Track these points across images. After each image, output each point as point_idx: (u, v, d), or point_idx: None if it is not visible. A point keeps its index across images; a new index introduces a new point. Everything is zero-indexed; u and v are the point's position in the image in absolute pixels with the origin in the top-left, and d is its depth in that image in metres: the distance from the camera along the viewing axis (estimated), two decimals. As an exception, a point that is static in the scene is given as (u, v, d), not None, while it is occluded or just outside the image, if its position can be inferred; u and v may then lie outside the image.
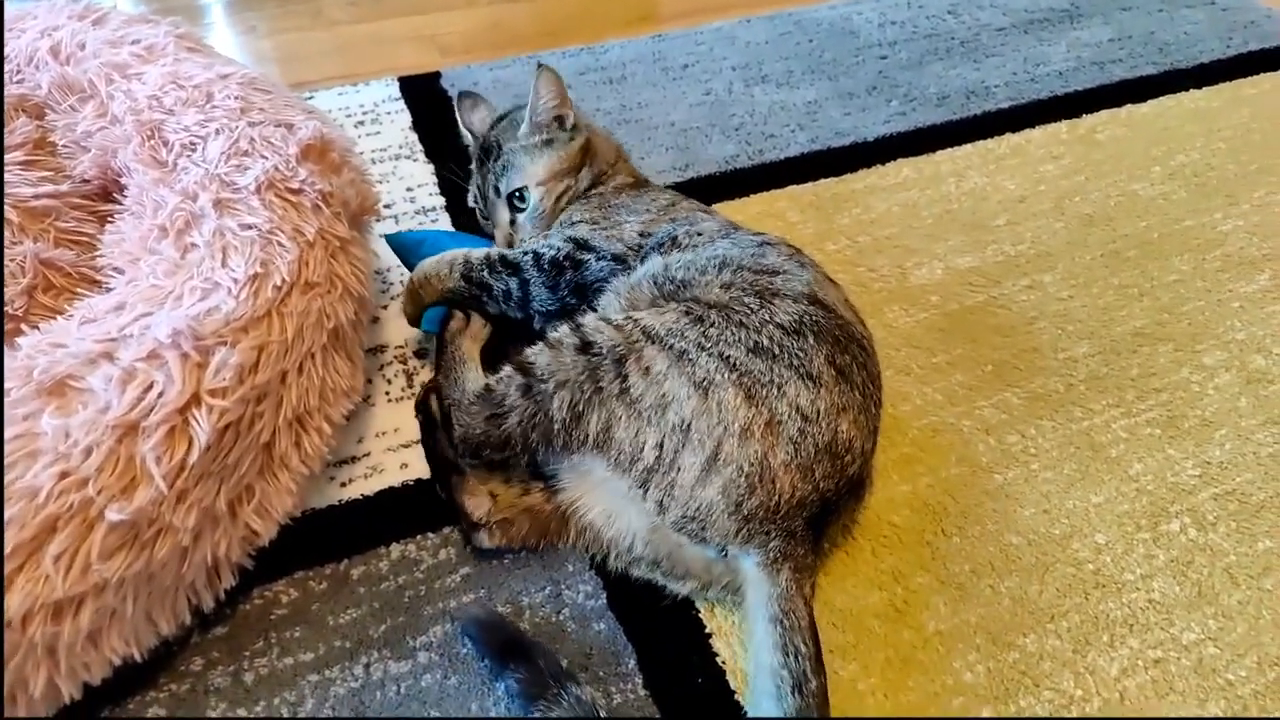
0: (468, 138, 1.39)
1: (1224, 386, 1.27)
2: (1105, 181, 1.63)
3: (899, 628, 1.01)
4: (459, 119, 1.40)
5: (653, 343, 0.97)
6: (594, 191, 1.29)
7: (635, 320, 1.00)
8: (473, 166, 1.35)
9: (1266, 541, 1.09)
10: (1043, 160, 1.68)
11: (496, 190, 1.28)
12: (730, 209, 1.50)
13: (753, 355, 0.95)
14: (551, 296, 1.16)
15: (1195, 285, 1.43)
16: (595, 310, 1.12)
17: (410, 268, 1.26)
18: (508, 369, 1.02)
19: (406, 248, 1.28)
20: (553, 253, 1.16)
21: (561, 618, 1.00)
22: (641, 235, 1.19)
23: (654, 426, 0.94)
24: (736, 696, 0.94)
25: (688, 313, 1.00)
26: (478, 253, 1.19)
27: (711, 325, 0.98)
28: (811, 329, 0.99)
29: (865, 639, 1.00)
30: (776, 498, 0.92)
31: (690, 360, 0.95)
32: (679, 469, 0.93)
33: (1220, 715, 0.95)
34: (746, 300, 1.01)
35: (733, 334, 0.97)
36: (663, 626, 1.00)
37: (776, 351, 0.96)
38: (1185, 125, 1.77)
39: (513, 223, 1.28)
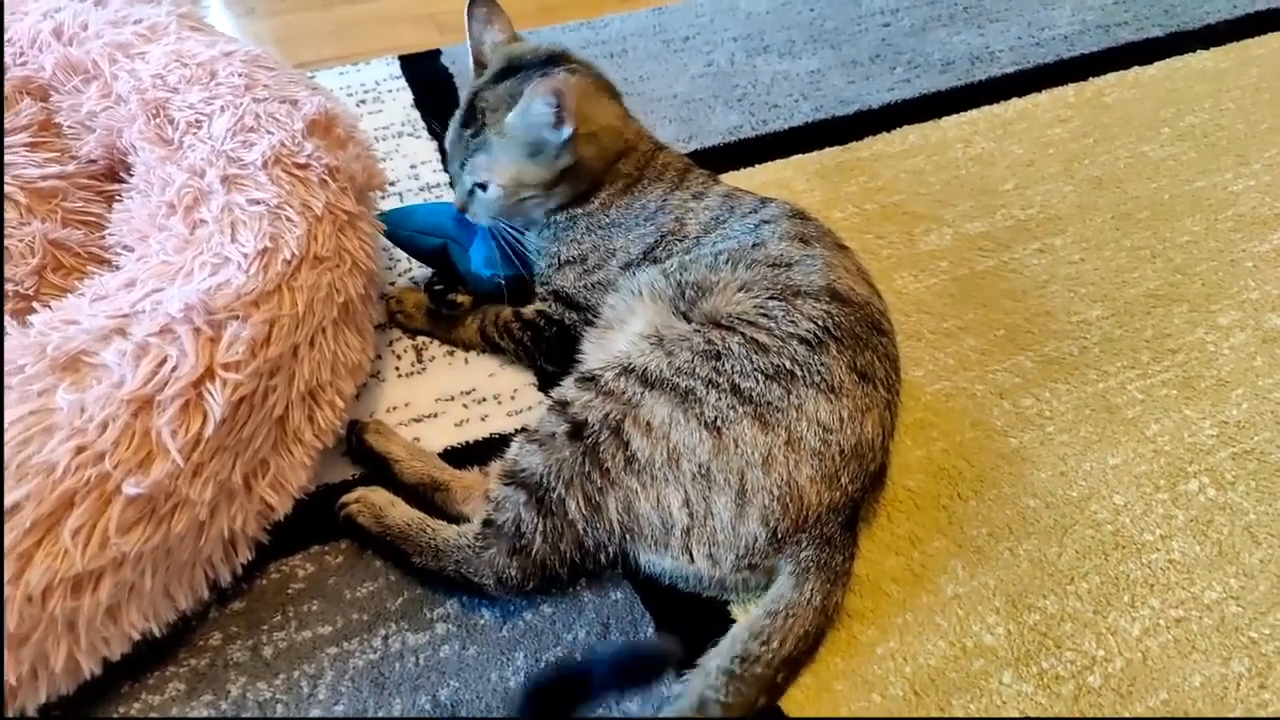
0: (470, 54, 1.20)
1: (1239, 346, 1.26)
2: (1114, 144, 1.61)
3: (916, 591, 1.01)
4: (469, 28, 1.19)
5: (651, 389, 0.94)
6: (578, 211, 1.17)
7: (630, 370, 0.96)
8: (463, 96, 1.19)
9: (1286, 499, 1.09)
10: (1050, 124, 1.66)
11: (461, 164, 1.16)
12: (736, 179, 1.48)
13: (770, 381, 0.93)
14: (558, 355, 1.16)
15: (1208, 246, 1.42)
16: (600, 313, 1.11)
17: (401, 242, 1.26)
18: (499, 487, 0.97)
19: (397, 222, 1.26)
20: (546, 320, 1.16)
21: (579, 586, 1.00)
22: (624, 267, 1.14)
23: (673, 484, 0.92)
24: (756, 661, 0.94)
25: (706, 347, 0.96)
26: (490, 316, 1.21)
27: (729, 357, 0.95)
28: (834, 336, 0.96)
29: (883, 603, 1.00)
30: (805, 512, 0.92)
31: (698, 399, 0.93)
32: (715, 515, 0.92)
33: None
34: (769, 306, 0.98)
35: (751, 362, 0.94)
36: (680, 593, 0.99)
37: (798, 372, 0.94)
38: (1194, 86, 1.75)
39: (471, 194, 1.18)
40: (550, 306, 1.17)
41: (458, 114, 1.18)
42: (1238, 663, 0.95)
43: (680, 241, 1.13)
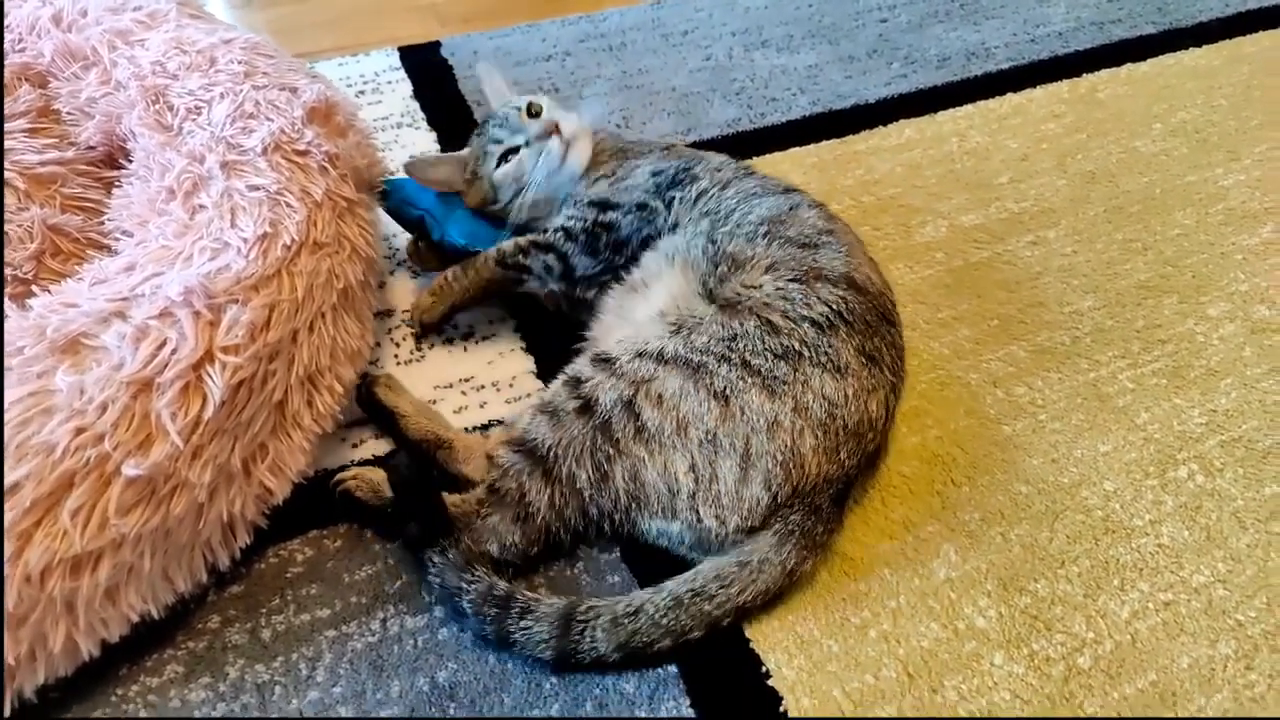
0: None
1: (1229, 337, 1.28)
2: (1107, 139, 1.63)
3: (910, 575, 1.02)
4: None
5: (665, 364, 0.97)
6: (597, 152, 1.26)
7: (645, 353, 0.98)
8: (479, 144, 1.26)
9: (1273, 486, 1.10)
10: (1044, 119, 1.67)
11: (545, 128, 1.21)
12: (733, 171, 1.50)
13: (779, 360, 0.96)
14: (593, 261, 1.16)
15: (1198, 239, 1.43)
16: (637, 263, 1.13)
17: (389, 208, 1.29)
18: (507, 454, 0.98)
19: (389, 190, 1.29)
20: (581, 223, 1.17)
21: (576, 570, 1.01)
22: (654, 175, 1.19)
23: (680, 451, 0.94)
24: (752, 646, 0.95)
25: (722, 331, 0.98)
26: (507, 244, 1.19)
27: (743, 338, 0.97)
28: (845, 320, 0.99)
29: (877, 586, 1.00)
30: (804, 479, 0.94)
31: (708, 371, 0.95)
32: (719, 478, 0.93)
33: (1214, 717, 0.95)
34: (790, 289, 1.01)
35: (763, 342, 0.97)
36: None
37: (805, 353, 0.96)
38: (1185, 83, 1.76)
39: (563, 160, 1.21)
40: (582, 215, 1.18)
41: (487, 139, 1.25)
42: (1225, 645, 0.96)
43: (694, 182, 1.17)
